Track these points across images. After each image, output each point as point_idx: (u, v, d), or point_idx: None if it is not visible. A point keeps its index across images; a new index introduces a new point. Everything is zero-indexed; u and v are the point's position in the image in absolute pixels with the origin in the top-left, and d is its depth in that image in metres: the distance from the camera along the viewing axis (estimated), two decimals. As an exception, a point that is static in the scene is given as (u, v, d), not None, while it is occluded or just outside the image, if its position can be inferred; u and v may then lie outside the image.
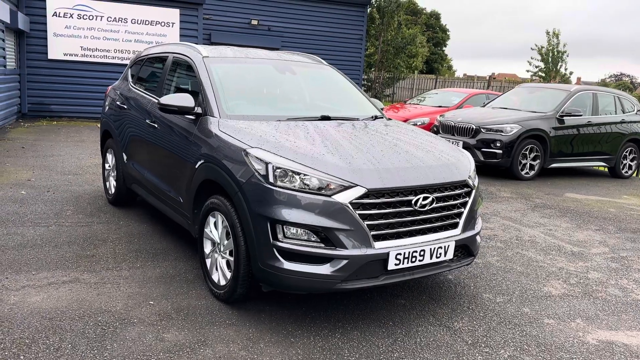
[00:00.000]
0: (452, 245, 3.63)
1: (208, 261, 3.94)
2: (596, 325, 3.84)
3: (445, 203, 3.64)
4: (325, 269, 3.26)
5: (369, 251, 3.29)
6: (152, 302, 3.71)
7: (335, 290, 3.33)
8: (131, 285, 3.97)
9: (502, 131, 9.41)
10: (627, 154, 10.94)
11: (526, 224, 6.50)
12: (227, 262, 3.72)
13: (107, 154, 6.22)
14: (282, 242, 3.27)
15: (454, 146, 4.30)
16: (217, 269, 3.82)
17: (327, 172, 3.32)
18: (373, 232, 3.31)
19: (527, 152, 9.55)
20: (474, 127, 9.62)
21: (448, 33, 55.97)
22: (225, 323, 3.48)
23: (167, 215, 4.80)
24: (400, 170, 3.50)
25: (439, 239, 3.58)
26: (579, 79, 39.24)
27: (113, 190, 6.02)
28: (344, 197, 3.26)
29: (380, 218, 3.36)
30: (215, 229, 3.82)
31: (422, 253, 3.48)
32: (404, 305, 3.93)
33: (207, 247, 3.95)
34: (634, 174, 11.26)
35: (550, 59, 38.01)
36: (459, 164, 3.88)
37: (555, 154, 9.88)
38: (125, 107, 5.64)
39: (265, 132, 3.75)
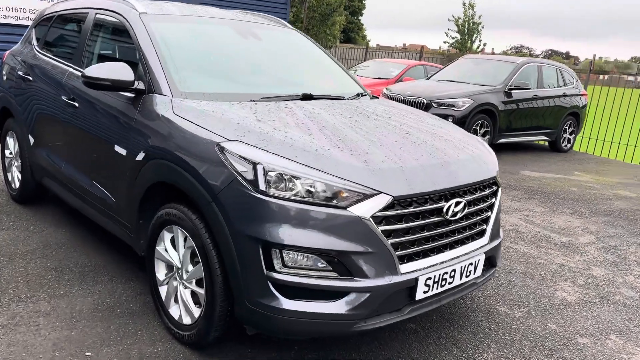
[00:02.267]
0: (482, 258, 2.90)
1: (163, 290, 2.94)
2: (634, 342, 3.29)
3: (475, 207, 2.88)
4: (338, 307, 2.40)
5: (395, 279, 2.47)
6: (89, 354, 2.69)
7: (352, 334, 2.49)
8: (56, 327, 2.90)
9: (454, 106, 8.85)
10: (567, 127, 10.84)
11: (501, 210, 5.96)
12: (193, 293, 2.76)
13: (7, 138, 4.91)
14: (280, 272, 2.37)
15: (467, 132, 3.53)
16: (177, 302, 2.85)
17: (340, 175, 2.43)
18: (398, 253, 2.49)
19: (477, 128, 9.09)
20: (425, 102, 8.98)
21: (364, 2, 55.56)
22: (198, 381, 2.55)
23: (96, 221, 3.70)
24: (427, 169, 2.67)
25: (468, 253, 2.83)
26: (482, 50, 40.01)
27: (17, 185, 4.76)
28: (364, 210, 2.39)
29: (406, 234, 2.54)
30: (173, 248, 2.84)
31: (452, 274, 2.71)
32: (416, 332, 3.16)
33: (161, 272, 2.95)
34: (572, 148, 11.24)
35: (466, 31, 38.70)
36: (485, 156, 3.12)
37: (504, 129, 9.51)
38: (30, 78, 4.38)
39: (242, 118, 2.76)
